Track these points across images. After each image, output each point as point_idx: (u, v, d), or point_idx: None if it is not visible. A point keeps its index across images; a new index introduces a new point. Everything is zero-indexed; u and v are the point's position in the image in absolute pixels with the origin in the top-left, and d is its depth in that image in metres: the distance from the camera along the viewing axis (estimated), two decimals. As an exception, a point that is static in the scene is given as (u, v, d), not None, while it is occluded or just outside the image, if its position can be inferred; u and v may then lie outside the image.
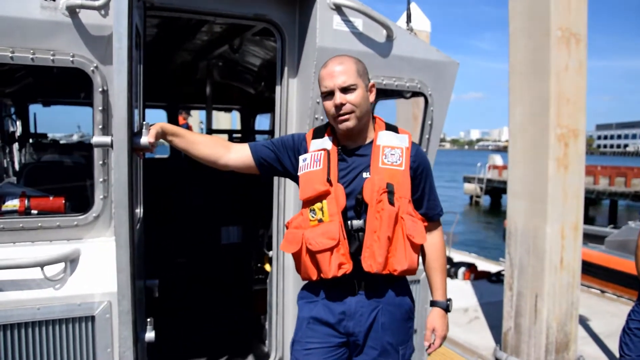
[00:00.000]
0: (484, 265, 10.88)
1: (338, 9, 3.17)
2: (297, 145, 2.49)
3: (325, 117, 3.35)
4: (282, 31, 3.33)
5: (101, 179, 2.90)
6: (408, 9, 3.77)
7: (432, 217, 2.51)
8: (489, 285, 9.29)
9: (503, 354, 6.04)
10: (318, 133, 2.49)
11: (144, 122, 2.35)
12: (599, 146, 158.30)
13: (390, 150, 2.37)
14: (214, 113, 8.26)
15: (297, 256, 2.39)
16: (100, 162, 2.87)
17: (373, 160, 2.36)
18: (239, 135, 7.74)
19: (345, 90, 2.28)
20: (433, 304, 2.53)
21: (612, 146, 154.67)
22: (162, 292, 3.14)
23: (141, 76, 2.92)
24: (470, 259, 11.68)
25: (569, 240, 5.69)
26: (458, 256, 11.61)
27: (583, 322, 7.00)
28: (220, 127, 10.31)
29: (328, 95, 2.32)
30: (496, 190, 36.82)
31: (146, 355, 2.91)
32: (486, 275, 9.82)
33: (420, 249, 2.43)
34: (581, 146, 5.75)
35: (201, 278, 5.72)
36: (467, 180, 40.66)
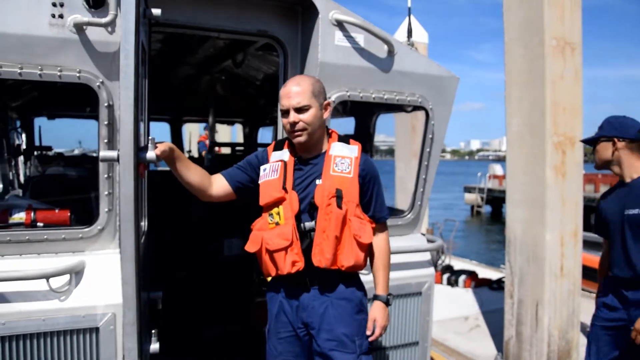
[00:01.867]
0: (484, 272, 10.87)
1: (340, 25, 3.24)
2: (260, 160, 2.76)
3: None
4: (284, 46, 3.39)
5: (106, 192, 2.93)
6: (409, 24, 3.82)
7: (378, 219, 2.76)
8: (490, 293, 9.27)
9: (505, 363, 6.06)
10: (278, 145, 2.77)
11: (150, 137, 2.40)
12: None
13: (341, 159, 2.64)
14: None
15: (258, 255, 2.67)
16: (105, 176, 2.91)
17: (325, 169, 2.62)
18: (242, 147, 7.79)
19: (299, 110, 2.53)
20: (375, 297, 2.76)
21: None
22: (164, 304, 3.18)
23: (146, 91, 2.98)
24: (470, 266, 11.65)
25: (569, 248, 5.73)
26: (459, 264, 11.59)
27: (584, 328, 6.99)
28: (220, 140, 10.34)
29: (285, 112, 2.57)
30: (497, 200, 36.81)
31: None
32: (487, 282, 9.80)
33: (367, 248, 2.68)
34: (578, 154, 5.80)
35: (203, 290, 5.75)
36: (468, 190, 40.69)
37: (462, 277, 9.84)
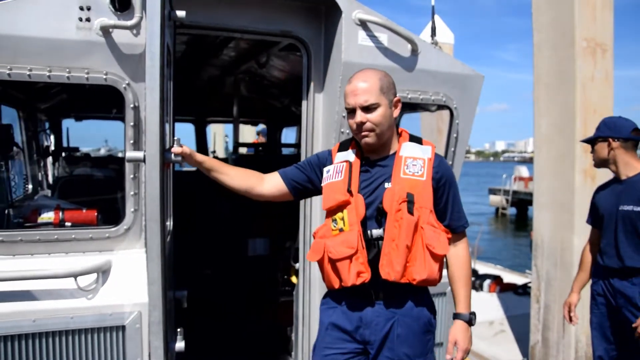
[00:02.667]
0: (509, 277, 10.73)
1: (363, 24, 3.21)
2: (323, 161, 2.57)
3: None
4: (308, 47, 3.39)
5: (132, 193, 2.97)
6: (433, 23, 3.79)
7: (456, 228, 2.51)
8: (515, 298, 9.16)
9: (530, 368, 5.96)
10: (343, 146, 2.55)
11: (176, 138, 2.43)
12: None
13: (412, 161, 2.40)
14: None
15: (320, 265, 2.45)
16: (131, 176, 2.94)
17: (395, 171, 2.39)
18: (266, 147, 7.83)
19: (366, 109, 2.32)
20: (456, 316, 2.51)
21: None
22: (188, 303, 3.21)
23: (171, 92, 3.01)
24: (495, 271, 11.51)
25: (598, 253, 5.60)
26: (483, 268, 11.47)
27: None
28: (244, 141, 10.42)
29: (351, 112, 2.37)
30: (522, 202, 36.24)
31: None
32: (512, 287, 9.69)
33: (442, 260, 2.43)
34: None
35: (227, 290, 5.78)
36: (493, 192, 40.15)
37: (487, 282, 9.74)
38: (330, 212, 2.42)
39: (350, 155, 2.48)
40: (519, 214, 37.34)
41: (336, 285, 2.40)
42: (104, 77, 2.79)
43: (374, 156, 2.46)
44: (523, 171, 39.29)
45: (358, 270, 2.32)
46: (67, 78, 2.74)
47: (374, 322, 2.40)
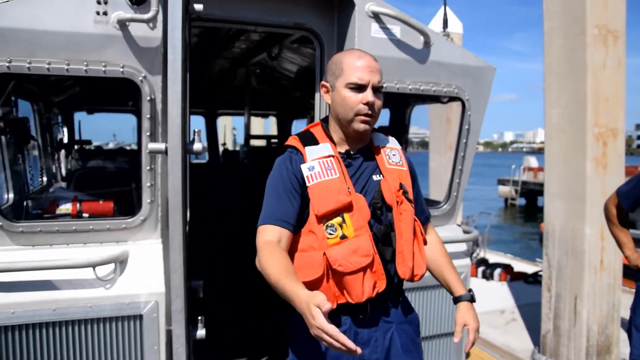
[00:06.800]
0: (520, 266, 10.72)
1: (376, 16, 3.23)
2: (296, 169, 2.13)
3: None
4: (320, 39, 3.40)
5: (148, 184, 3.00)
6: (445, 14, 3.79)
7: (428, 216, 2.45)
8: (525, 287, 9.16)
9: (542, 356, 5.97)
10: (308, 140, 2.19)
11: (195, 130, 2.46)
12: (638, 146, 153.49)
13: (391, 151, 2.25)
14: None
15: (315, 283, 2.03)
16: (148, 168, 2.98)
17: (380, 162, 2.20)
18: (276, 140, 7.87)
19: (376, 90, 2.08)
20: (458, 299, 2.30)
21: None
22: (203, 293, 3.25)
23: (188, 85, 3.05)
24: (506, 259, 11.51)
25: (609, 241, 5.58)
26: (494, 257, 11.47)
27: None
28: (254, 133, 10.47)
29: (357, 88, 2.07)
30: (532, 192, 36.17)
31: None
32: (523, 276, 9.69)
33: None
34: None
35: (241, 282, 5.83)
36: (502, 182, 40.06)
37: (498, 271, 9.74)
38: (324, 217, 2.04)
39: (327, 148, 2.14)
40: (528, 204, 37.24)
41: (334, 305, 2.01)
42: (121, 70, 2.82)
43: (353, 148, 2.19)
44: (532, 161, 39.17)
45: (374, 280, 2.03)
46: (85, 71, 2.77)
47: (373, 339, 2.14)
